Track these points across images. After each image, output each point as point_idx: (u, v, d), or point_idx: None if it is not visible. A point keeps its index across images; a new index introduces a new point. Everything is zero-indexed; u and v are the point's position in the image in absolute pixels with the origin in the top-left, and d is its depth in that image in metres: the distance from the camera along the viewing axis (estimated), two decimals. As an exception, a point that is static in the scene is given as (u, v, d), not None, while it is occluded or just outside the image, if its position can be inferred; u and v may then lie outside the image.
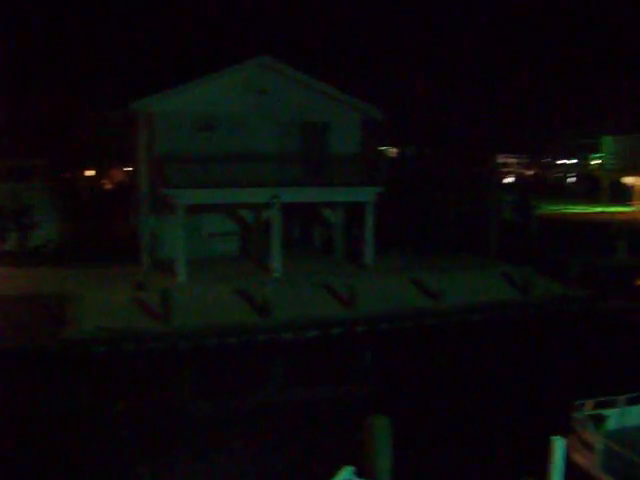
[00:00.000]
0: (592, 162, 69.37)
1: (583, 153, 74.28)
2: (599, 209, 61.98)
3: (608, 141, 69.25)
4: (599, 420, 13.87)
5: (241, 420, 18.39)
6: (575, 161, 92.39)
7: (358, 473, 11.76)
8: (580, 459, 13.23)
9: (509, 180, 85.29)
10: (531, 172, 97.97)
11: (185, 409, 19.75)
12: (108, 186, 53.02)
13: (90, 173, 52.79)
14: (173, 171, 28.90)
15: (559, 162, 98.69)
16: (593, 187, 69.52)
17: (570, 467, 12.87)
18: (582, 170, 75.26)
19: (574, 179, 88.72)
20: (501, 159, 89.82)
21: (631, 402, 14.17)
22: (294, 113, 33.21)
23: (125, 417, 18.48)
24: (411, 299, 28.56)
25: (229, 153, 30.95)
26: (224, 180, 29.14)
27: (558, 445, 11.78)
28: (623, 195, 69.38)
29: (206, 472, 15.16)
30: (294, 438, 16.86)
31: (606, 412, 14.11)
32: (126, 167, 49.85)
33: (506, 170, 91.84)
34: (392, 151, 57.94)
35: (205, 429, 17.70)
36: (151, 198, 31.40)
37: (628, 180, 70.14)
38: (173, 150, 30.58)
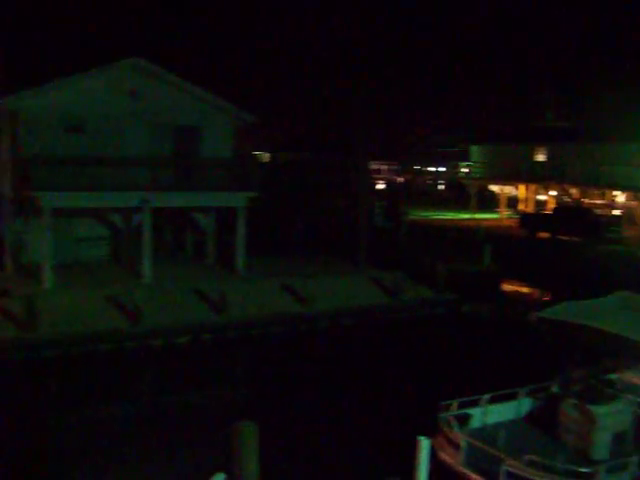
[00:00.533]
0: (461, 170, 71.64)
1: (452, 161, 76.72)
2: (467, 216, 64.03)
3: (475, 150, 71.71)
4: (464, 419, 14.29)
5: (111, 430, 17.90)
6: (444, 169, 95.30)
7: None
8: (446, 457, 13.58)
9: (381, 186, 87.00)
10: (402, 179, 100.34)
11: (47, 420, 18.98)
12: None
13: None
14: (39, 173, 27.81)
15: (430, 169, 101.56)
16: (461, 194, 71.79)
17: (437, 466, 13.22)
18: (451, 177, 77.64)
19: (444, 186, 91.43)
20: (373, 165, 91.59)
21: (492, 401, 14.68)
22: (166, 116, 32.64)
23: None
24: (282, 304, 28.62)
25: (99, 155, 30.08)
26: (93, 183, 28.29)
27: (424, 445, 12.06)
28: (490, 202, 72.01)
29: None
30: (164, 445, 16.57)
31: (470, 411, 14.55)
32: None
33: (378, 177, 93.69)
34: (266, 156, 58.15)
35: (69, 439, 17.14)
36: (16, 200, 30.15)
37: (494, 188, 72.84)
38: (40, 151, 29.37)
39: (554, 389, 15.24)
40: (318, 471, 15.29)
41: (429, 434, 12.76)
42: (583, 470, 11.86)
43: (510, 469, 12.10)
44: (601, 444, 13.14)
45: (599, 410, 13.14)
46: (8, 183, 30.44)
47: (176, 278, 29.71)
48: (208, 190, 30.45)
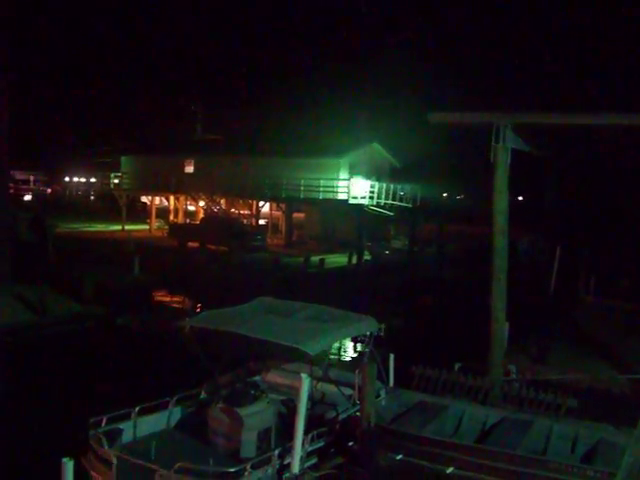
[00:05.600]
0: (111, 181, 70.81)
1: (103, 172, 75.50)
2: (118, 227, 63.41)
3: (126, 161, 71.36)
4: (114, 434, 14.05)
5: None
6: (95, 180, 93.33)
7: None
8: (98, 476, 13.28)
9: (27, 198, 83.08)
10: (50, 190, 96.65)
11: None
12: None
13: None
14: None
15: (80, 180, 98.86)
16: (112, 205, 71.01)
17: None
18: (103, 188, 76.36)
19: (94, 197, 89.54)
20: (20, 176, 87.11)
21: (143, 412, 14.64)
22: None
23: None
24: None
25: None
26: None
27: (67, 467, 11.74)
28: (141, 213, 72.07)
29: None
30: None
31: (121, 425, 14.36)
32: None
33: (25, 187, 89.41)
34: None
35: None
36: None
37: (145, 198, 73.02)
38: None
39: (202, 396, 15.64)
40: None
41: (82, 454, 12.40)
42: (231, 470, 12.31)
43: (162, 479, 12.18)
44: (247, 443, 13.73)
45: (244, 411, 13.73)
46: None
47: None
48: None
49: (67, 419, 18.32)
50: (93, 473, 13.34)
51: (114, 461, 12.93)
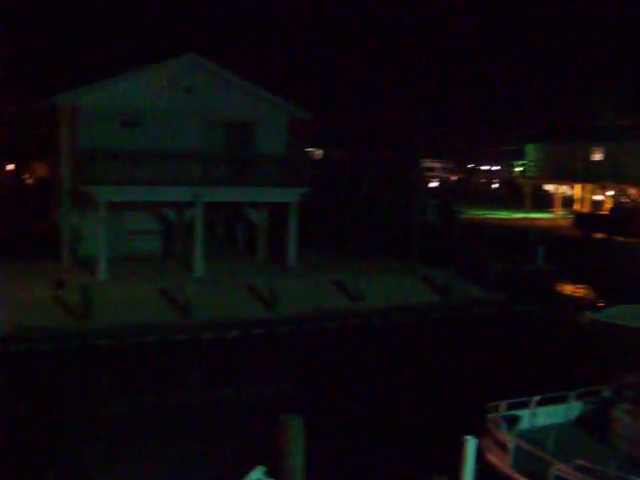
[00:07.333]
0: (516, 169, 70.84)
1: (507, 160, 75.93)
2: (521, 215, 63.28)
3: (531, 148, 70.83)
4: (512, 421, 14.12)
5: (159, 420, 18.14)
6: (499, 167, 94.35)
7: (271, 473, 11.69)
8: (494, 459, 13.44)
9: (434, 185, 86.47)
10: (456, 177, 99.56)
11: (99, 409, 19.27)
12: (29, 181, 51.60)
13: (11, 167, 51.29)
14: (95, 167, 28.34)
15: (484, 168, 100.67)
16: (516, 193, 71.01)
17: (484, 467, 13.09)
18: (506, 176, 76.85)
19: (498, 185, 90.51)
20: (427, 164, 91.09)
21: (542, 403, 14.48)
22: (220, 112, 32.85)
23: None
24: (333, 300, 28.65)
25: (153, 150, 30.47)
26: (147, 177, 28.71)
27: (470, 445, 11.97)
28: (544, 202, 71.05)
29: (120, 474, 14.92)
30: (211, 438, 16.73)
31: (519, 412, 14.39)
32: (48, 161, 48.52)
33: (431, 175, 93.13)
34: (318, 153, 58.22)
35: (120, 429, 17.41)
36: (72, 194, 30.60)
37: (549, 187, 71.87)
38: (96, 145, 29.75)
39: (606, 394, 14.98)
40: (364, 467, 15.27)
41: (477, 434, 12.64)
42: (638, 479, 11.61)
43: (559, 473, 11.92)
44: (656, 452, 12.88)
45: (652, 416, 12.89)
46: (65, 177, 30.90)
47: (228, 273, 29.93)
48: (260, 185, 30.64)
49: (466, 399, 18.83)
50: (488, 454, 13.51)
51: (511, 446, 12.95)
